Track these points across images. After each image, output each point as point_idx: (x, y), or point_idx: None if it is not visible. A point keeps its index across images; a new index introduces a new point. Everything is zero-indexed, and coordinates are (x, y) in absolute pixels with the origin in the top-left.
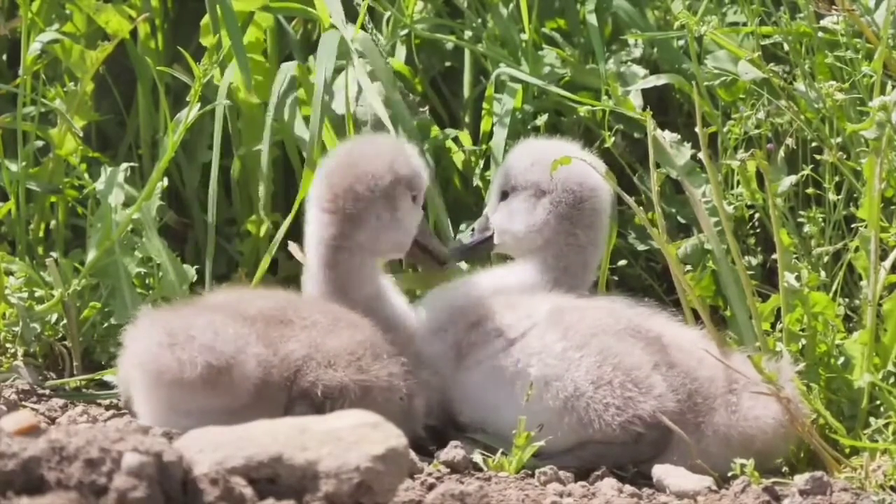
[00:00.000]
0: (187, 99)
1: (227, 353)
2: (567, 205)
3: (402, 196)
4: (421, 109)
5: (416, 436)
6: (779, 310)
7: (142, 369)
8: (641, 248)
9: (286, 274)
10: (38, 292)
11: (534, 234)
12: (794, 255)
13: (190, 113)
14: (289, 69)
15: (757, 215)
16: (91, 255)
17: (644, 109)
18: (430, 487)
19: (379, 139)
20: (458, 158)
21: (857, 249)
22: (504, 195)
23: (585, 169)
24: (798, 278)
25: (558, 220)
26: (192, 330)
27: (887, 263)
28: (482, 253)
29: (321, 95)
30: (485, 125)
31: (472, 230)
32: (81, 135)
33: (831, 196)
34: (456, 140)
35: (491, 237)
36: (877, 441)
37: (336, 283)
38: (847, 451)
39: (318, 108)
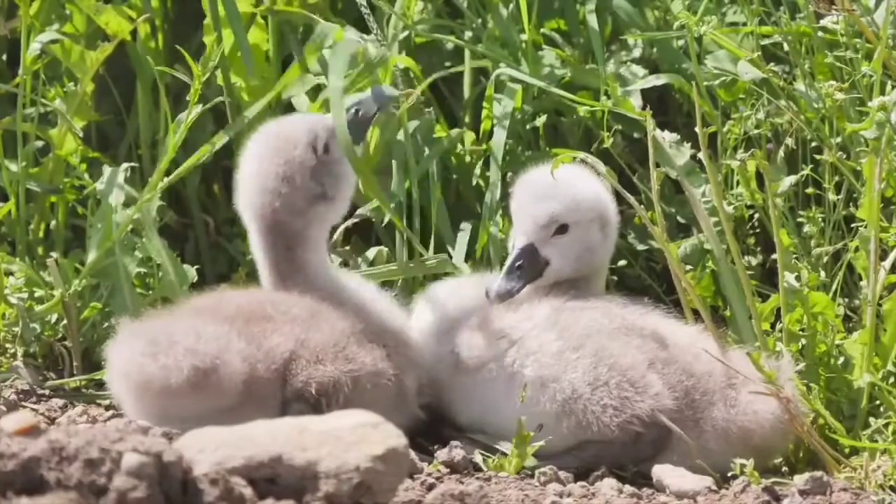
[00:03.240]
0: (187, 98)
1: (211, 353)
2: (616, 228)
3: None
4: (427, 110)
5: (414, 417)
6: (779, 310)
7: (128, 382)
8: (641, 248)
9: None
10: (38, 292)
11: (598, 263)
12: (794, 255)
13: (190, 113)
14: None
15: (757, 215)
16: (92, 256)
17: (644, 109)
18: (430, 487)
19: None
20: (461, 159)
21: (856, 249)
22: (563, 228)
23: (607, 188)
24: (798, 278)
25: (612, 246)
26: (174, 335)
27: (887, 263)
28: None
29: (340, 104)
30: (485, 126)
31: (518, 266)
32: (81, 135)
33: (831, 196)
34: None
35: (541, 270)
36: (876, 441)
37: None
38: (847, 451)
39: (342, 117)
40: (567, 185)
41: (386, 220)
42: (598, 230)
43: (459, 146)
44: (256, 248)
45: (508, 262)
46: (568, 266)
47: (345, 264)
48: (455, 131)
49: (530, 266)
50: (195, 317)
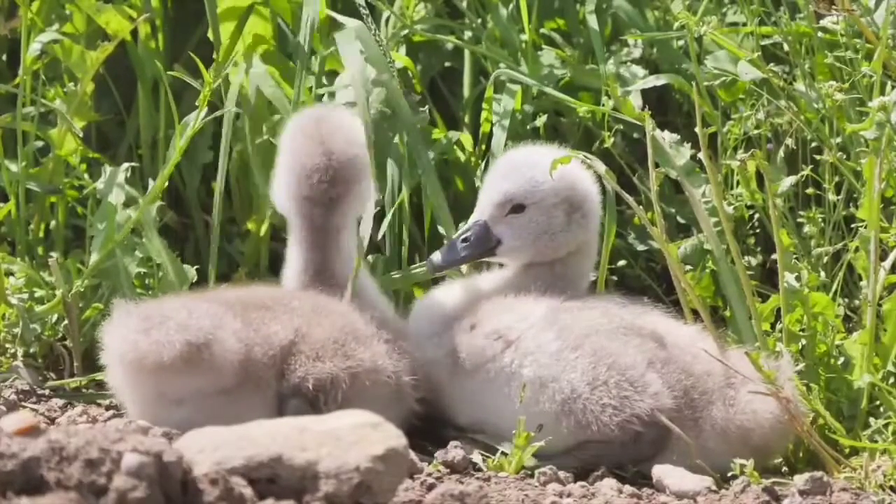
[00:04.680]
0: (196, 103)
1: (205, 328)
2: (593, 216)
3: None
4: (421, 109)
5: (411, 411)
6: (779, 310)
7: (122, 360)
8: (641, 248)
9: None
10: (39, 293)
11: (562, 248)
12: (794, 255)
13: (198, 117)
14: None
15: (757, 215)
16: (94, 257)
17: (644, 109)
18: (430, 487)
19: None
20: (459, 159)
21: (857, 249)
22: (519, 208)
23: (585, 175)
24: (798, 278)
25: (585, 233)
26: (166, 312)
27: (887, 263)
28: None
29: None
30: (485, 126)
31: (464, 240)
32: (81, 135)
33: (831, 196)
34: (457, 141)
35: (492, 248)
36: (876, 441)
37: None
38: (847, 451)
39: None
40: (529, 166)
41: (382, 231)
42: (562, 215)
43: (457, 149)
44: (293, 243)
45: (454, 235)
46: (524, 248)
47: None
48: (452, 133)
49: (478, 241)
50: (189, 300)
